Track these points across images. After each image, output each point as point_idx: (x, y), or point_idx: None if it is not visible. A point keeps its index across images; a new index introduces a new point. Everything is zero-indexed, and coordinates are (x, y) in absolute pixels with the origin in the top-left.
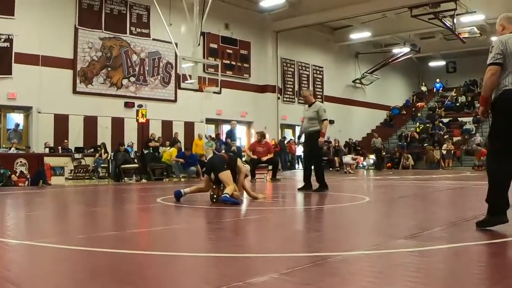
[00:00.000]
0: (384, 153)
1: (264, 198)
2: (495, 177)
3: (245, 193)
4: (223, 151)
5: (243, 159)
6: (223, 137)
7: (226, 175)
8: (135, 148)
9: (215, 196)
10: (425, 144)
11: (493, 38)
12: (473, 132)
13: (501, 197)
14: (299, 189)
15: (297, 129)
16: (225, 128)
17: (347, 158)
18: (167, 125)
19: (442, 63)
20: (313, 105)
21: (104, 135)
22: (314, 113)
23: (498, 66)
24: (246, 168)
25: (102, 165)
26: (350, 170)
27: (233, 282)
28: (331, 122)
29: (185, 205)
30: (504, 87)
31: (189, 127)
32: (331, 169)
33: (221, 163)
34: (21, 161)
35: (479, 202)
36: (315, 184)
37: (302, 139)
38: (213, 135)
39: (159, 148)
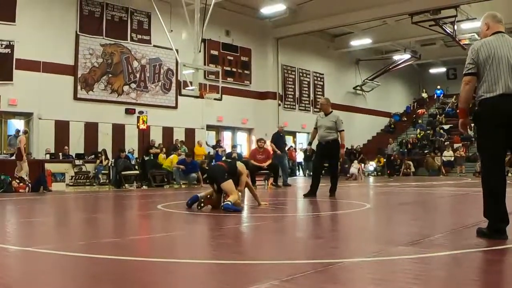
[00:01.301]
0: (399, 160)
1: (265, 204)
2: (486, 191)
3: (245, 200)
4: (223, 158)
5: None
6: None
7: (228, 185)
8: (135, 154)
9: (202, 204)
10: (426, 151)
11: None
12: (474, 139)
13: (496, 211)
14: (305, 195)
15: (298, 136)
16: (226, 135)
17: (353, 169)
18: (168, 132)
19: (442, 69)
20: (330, 114)
21: (105, 142)
22: (332, 122)
23: (472, 76)
24: (246, 171)
25: (102, 171)
26: (358, 176)
27: None
28: None
29: (186, 212)
30: (481, 97)
31: (189, 133)
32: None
33: (221, 173)
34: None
35: (479, 209)
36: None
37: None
38: (214, 142)
39: (158, 154)
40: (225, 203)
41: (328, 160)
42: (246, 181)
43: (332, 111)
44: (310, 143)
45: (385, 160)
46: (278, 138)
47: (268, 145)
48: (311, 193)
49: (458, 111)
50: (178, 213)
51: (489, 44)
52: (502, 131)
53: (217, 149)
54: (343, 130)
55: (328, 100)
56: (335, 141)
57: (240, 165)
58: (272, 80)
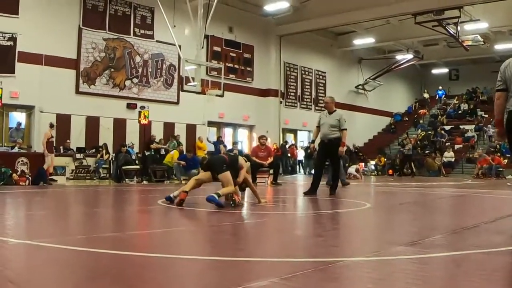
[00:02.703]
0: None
1: (265, 202)
2: None
3: (246, 197)
4: (223, 152)
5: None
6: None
7: (225, 177)
8: (136, 149)
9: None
10: (427, 151)
11: (497, 47)
12: (475, 140)
13: None
14: (305, 193)
15: (299, 134)
16: (227, 131)
17: (351, 169)
18: (169, 127)
19: (445, 70)
20: (334, 113)
21: (106, 136)
22: (336, 121)
23: (501, 92)
24: (247, 164)
25: (103, 165)
26: (357, 175)
27: (233, 286)
28: None
29: (185, 208)
30: (507, 109)
31: (191, 129)
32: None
33: (220, 163)
34: (22, 160)
35: (479, 210)
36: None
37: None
38: (215, 138)
39: (160, 150)
40: (210, 195)
41: (330, 158)
42: (245, 177)
43: (335, 110)
44: (313, 141)
45: (386, 159)
46: None
47: (269, 142)
48: (311, 191)
49: (495, 121)
50: (178, 208)
51: None
52: None
53: (220, 146)
54: (345, 129)
55: (333, 98)
56: (338, 139)
57: (241, 159)
58: (274, 78)
